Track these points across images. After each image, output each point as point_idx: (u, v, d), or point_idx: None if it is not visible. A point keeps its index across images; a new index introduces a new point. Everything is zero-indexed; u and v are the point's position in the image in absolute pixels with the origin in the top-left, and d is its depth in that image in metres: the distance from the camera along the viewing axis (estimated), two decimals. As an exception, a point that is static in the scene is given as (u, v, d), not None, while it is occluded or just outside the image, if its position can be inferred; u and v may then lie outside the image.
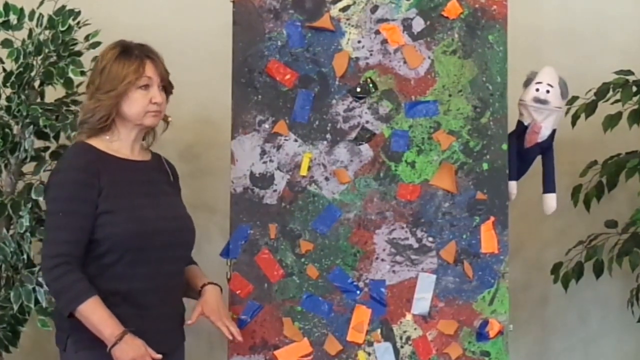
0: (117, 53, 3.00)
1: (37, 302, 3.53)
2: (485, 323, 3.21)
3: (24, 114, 3.61)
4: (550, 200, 3.35)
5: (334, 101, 3.25)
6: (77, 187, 2.91)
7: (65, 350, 2.94)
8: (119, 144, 3.02)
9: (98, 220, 2.91)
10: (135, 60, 2.99)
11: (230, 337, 3.11)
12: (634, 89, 3.82)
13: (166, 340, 3.02)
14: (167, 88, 3.06)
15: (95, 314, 2.85)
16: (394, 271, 3.23)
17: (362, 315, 3.22)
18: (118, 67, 2.98)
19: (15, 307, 3.55)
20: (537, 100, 3.26)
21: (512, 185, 3.28)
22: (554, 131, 3.31)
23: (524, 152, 3.32)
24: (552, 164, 3.34)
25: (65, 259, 2.87)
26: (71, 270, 2.87)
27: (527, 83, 3.32)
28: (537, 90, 3.27)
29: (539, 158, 3.36)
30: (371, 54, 3.25)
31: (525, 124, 3.30)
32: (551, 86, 3.27)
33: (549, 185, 3.35)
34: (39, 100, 3.71)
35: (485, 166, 3.24)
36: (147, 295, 2.95)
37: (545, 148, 3.32)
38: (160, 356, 2.91)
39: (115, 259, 2.91)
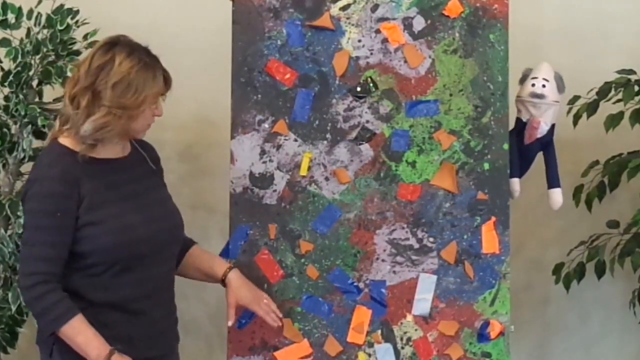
0: (136, 66, 2.78)
1: (35, 302, 3.51)
2: (486, 324, 3.20)
3: (22, 113, 3.60)
4: (556, 195, 3.34)
5: (334, 101, 3.23)
6: (55, 199, 2.75)
7: (50, 356, 2.83)
8: (101, 147, 2.84)
9: (81, 232, 2.78)
10: (158, 78, 2.83)
11: (279, 324, 3.11)
12: (636, 88, 3.80)
13: (158, 344, 2.95)
14: None
15: (79, 334, 2.76)
16: (394, 272, 3.21)
17: (362, 316, 3.20)
18: (139, 83, 2.78)
19: (13, 308, 3.54)
20: (534, 95, 3.26)
21: (515, 182, 3.27)
22: (553, 126, 3.30)
23: (525, 149, 3.31)
24: (554, 159, 3.33)
25: (43, 278, 2.74)
26: (51, 289, 2.74)
27: (522, 80, 3.32)
28: (533, 85, 3.27)
29: (540, 157, 3.34)
30: (371, 53, 3.23)
31: (524, 120, 3.29)
32: (547, 80, 3.27)
33: (553, 181, 3.33)
34: (37, 99, 3.71)
35: (486, 166, 3.22)
36: (137, 301, 2.87)
37: (546, 143, 3.31)
38: None
39: (102, 269, 2.81)
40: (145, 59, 2.83)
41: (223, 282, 3.09)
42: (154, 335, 2.93)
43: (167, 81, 2.90)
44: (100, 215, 2.80)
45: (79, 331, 2.76)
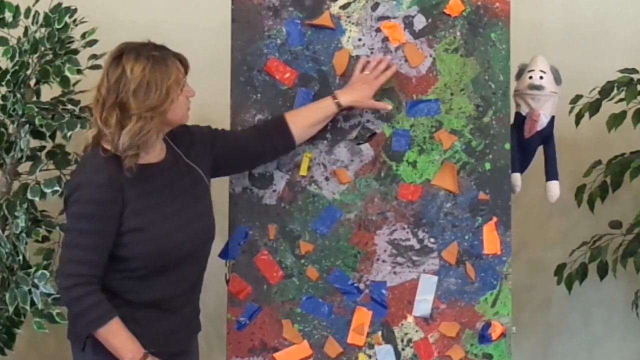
0: (147, 66, 2.82)
1: (32, 303, 3.51)
2: (488, 325, 3.18)
3: (20, 112, 3.59)
4: (554, 188, 3.33)
5: (334, 100, 3.22)
6: (100, 205, 2.81)
7: (83, 350, 2.90)
8: (143, 153, 2.88)
9: (124, 237, 2.84)
10: (171, 65, 2.86)
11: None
12: (639, 87, 3.79)
13: (185, 338, 3.04)
14: None
15: (115, 337, 2.84)
16: (395, 272, 3.19)
17: (362, 317, 3.19)
18: (156, 79, 2.82)
19: (11, 309, 3.53)
20: (532, 86, 3.26)
21: (517, 177, 3.25)
22: (552, 118, 3.29)
23: (525, 144, 3.30)
24: (553, 152, 3.33)
25: (84, 279, 2.82)
26: (91, 291, 2.82)
27: (519, 74, 3.32)
28: (531, 77, 3.27)
29: (541, 155, 3.33)
30: (372, 52, 3.22)
31: (523, 114, 3.29)
32: (544, 72, 3.27)
33: (551, 173, 3.33)
34: (34, 99, 3.70)
35: (487, 166, 3.20)
36: (172, 300, 2.95)
37: (546, 137, 3.31)
38: None
39: (142, 273, 2.88)
40: (153, 54, 2.86)
41: (338, 105, 3.14)
42: (181, 330, 3.01)
43: (182, 62, 2.93)
44: (142, 222, 2.86)
45: (115, 334, 2.84)
